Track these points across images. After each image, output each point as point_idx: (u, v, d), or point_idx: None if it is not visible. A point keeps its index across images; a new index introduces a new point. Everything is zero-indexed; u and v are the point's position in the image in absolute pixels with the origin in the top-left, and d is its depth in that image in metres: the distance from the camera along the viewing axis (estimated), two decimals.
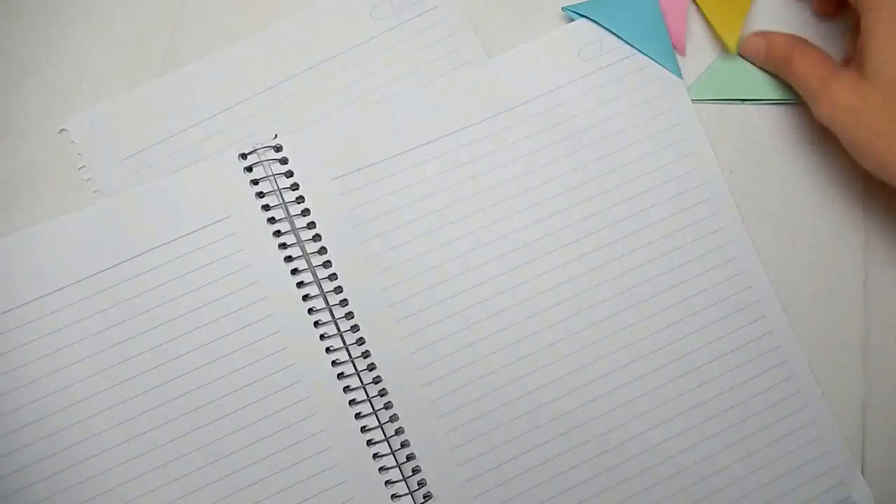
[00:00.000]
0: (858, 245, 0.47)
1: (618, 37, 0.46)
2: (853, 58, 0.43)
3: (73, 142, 0.45)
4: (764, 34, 0.45)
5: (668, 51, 0.46)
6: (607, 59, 0.46)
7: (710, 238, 0.45)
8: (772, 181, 0.47)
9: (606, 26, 0.46)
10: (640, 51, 0.46)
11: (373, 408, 0.43)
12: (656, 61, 0.46)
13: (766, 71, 0.46)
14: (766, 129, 0.47)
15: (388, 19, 0.46)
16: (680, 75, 0.46)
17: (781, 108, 0.47)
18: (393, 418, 0.43)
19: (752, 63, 0.46)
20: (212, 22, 0.47)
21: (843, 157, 0.45)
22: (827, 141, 0.46)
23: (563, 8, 0.47)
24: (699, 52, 0.47)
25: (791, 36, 0.45)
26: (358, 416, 0.43)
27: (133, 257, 0.43)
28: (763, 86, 0.46)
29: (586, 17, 0.46)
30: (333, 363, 0.43)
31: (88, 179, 0.45)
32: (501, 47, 0.47)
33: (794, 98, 0.46)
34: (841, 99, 0.41)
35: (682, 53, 0.47)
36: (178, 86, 0.46)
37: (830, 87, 0.41)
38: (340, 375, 0.43)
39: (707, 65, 0.47)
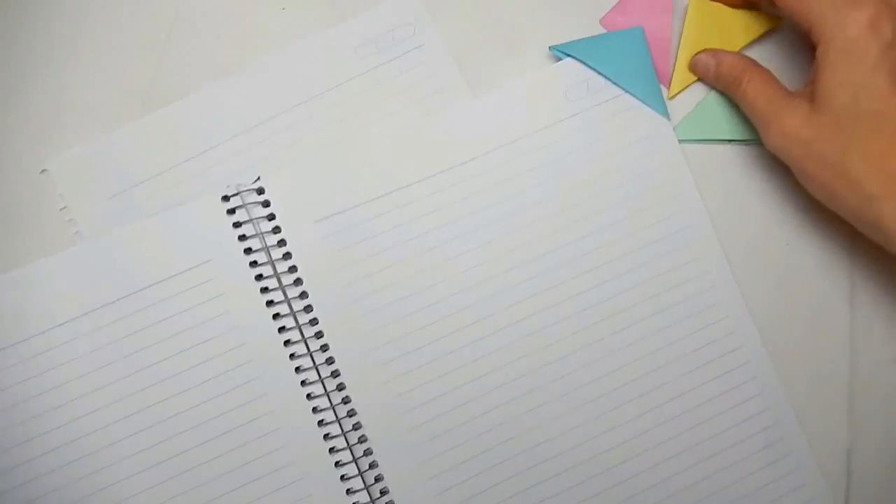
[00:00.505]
0: (844, 286, 0.47)
1: (605, 77, 0.46)
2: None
3: (53, 182, 0.45)
4: (714, 53, 0.45)
5: (656, 92, 0.46)
6: (594, 100, 0.46)
7: (694, 280, 0.45)
8: (757, 222, 0.47)
9: (594, 67, 0.46)
10: (627, 91, 0.46)
11: (353, 455, 0.43)
12: (643, 102, 0.46)
13: None
14: (752, 168, 0.47)
15: (373, 58, 0.47)
16: (667, 116, 0.46)
17: (762, 150, 0.47)
18: (367, 452, 0.44)
19: (703, 82, 0.47)
20: (193, 61, 0.47)
21: None
22: None
23: (550, 48, 0.47)
24: (686, 90, 0.47)
25: (741, 57, 0.45)
26: (340, 469, 0.43)
27: (113, 301, 0.43)
28: (750, 126, 0.46)
29: (573, 57, 0.46)
30: (314, 412, 0.43)
31: (69, 220, 0.45)
32: (487, 84, 0.47)
33: None
34: (791, 129, 0.41)
35: (667, 87, 0.47)
36: (160, 126, 0.46)
37: (780, 115, 0.42)
38: (324, 428, 0.44)
39: (694, 102, 0.47)
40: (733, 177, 0.47)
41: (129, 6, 0.47)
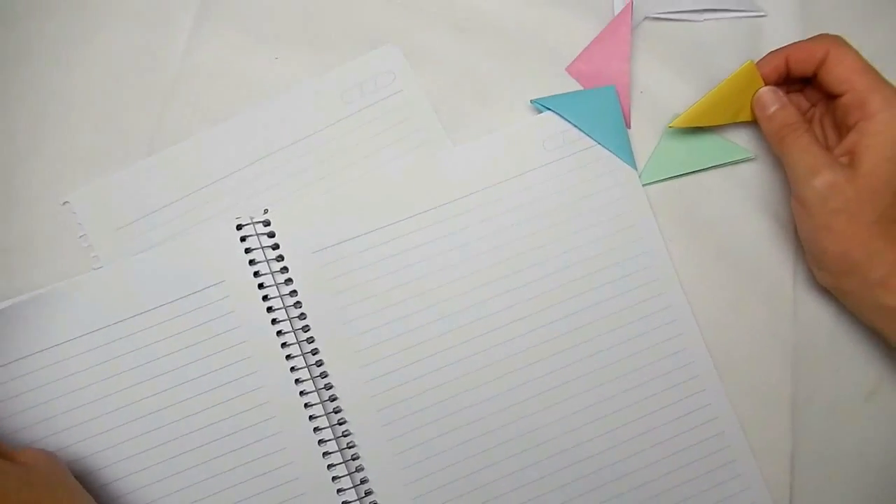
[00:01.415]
0: (788, 304, 0.50)
1: (580, 130, 0.50)
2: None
3: (73, 213, 0.49)
4: (778, 95, 0.48)
5: (625, 144, 0.50)
6: (569, 150, 0.50)
7: (654, 307, 0.49)
8: (709, 247, 0.50)
9: (570, 120, 0.50)
10: (599, 143, 0.50)
11: (347, 470, 0.47)
12: (614, 153, 0.50)
13: (707, 138, 0.51)
14: (703, 197, 0.51)
15: (357, 102, 0.51)
16: (634, 166, 0.50)
17: (715, 179, 0.51)
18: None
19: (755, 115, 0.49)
20: (195, 106, 0.51)
21: (773, 223, 0.50)
22: (756, 206, 0.51)
23: (531, 101, 0.51)
24: (647, 126, 0.52)
25: (796, 109, 0.47)
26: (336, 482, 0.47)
27: (133, 316, 0.47)
28: (706, 155, 0.51)
29: (552, 110, 0.50)
30: (311, 418, 0.47)
31: (87, 246, 0.49)
32: (461, 127, 0.51)
33: (736, 158, 0.51)
34: (836, 182, 0.44)
35: (629, 126, 0.51)
36: (170, 162, 0.50)
37: (827, 168, 0.44)
38: (317, 432, 0.47)
39: (655, 138, 0.51)
40: (684, 207, 0.51)
41: (137, 59, 0.52)
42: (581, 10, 0.53)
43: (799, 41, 0.48)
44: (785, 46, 0.48)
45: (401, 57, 0.51)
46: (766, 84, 0.48)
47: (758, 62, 0.48)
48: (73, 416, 0.46)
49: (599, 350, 0.49)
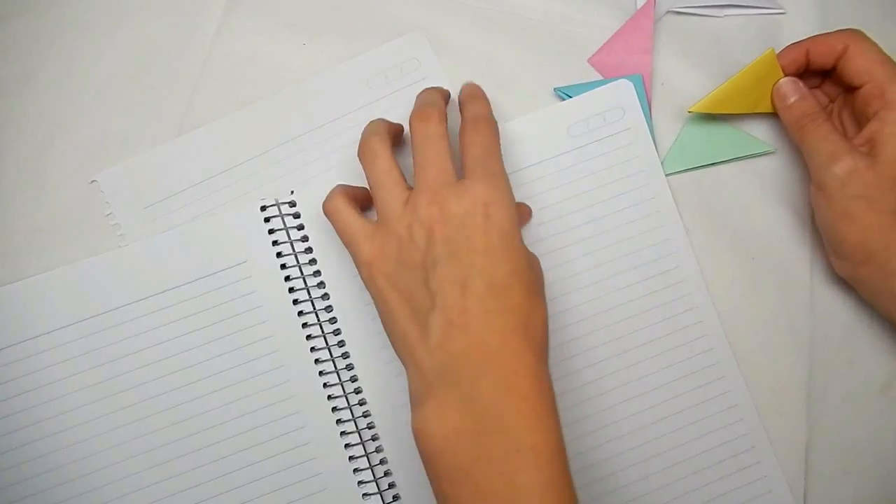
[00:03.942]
0: (805, 296, 0.50)
1: (604, 118, 0.50)
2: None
3: (101, 192, 0.50)
4: (798, 85, 0.48)
5: (649, 133, 0.50)
6: (594, 136, 0.50)
7: (673, 289, 0.50)
8: (728, 238, 0.51)
9: (595, 108, 0.50)
10: (623, 131, 0.50)
11: (365, 450, 0.48)
12: (637, 142, 0.50)
13: (728, 130, 0.51)
14: (721, 189, 0.51)
15: (382, 88, 0.51)
16: (656, 153, 0.51)
17: (733, 170, 0.52)
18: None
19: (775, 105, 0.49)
20: (224, 91, 0.52)
21: (791, 215, 0.51)
22: (774, 198, 0.51)
23: (555, 89, 0.51)
24: (667, 118, 0.52)
25: (816, 99, 0.48)
26: (353, 463, 0.48)
27: (156, 294, 0.48)
28: (728, 148, 0.51)
29: (571, 97, 0.51)
30: (329, 397, 0.48)
31: (114, 224, 0.50)
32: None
33: (755, 152, 0.51)
34: (856, 168, 0.44)
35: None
36: (195, 145, 0.51)
37: (846, 155, 0.45)
38: (335, 412, 0.48)
39: (675, 130, 0.52)
40: (704, 198, 0.51)
41: (168, 44, 0.53)
42: (603, 3, 0.54)
43: (818, 34, 0.48)
44: (805, 39, 0.49)
45: (426, 44, 0.52)
46: (786, 76, 0.49)
47: (778, 54, 0.49)
48: (97, 389, 0.47)
49: (620, 335, 0.49)
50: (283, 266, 0.48)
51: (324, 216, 0.45)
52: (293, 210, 0.49)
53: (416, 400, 0.40)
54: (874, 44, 0.46)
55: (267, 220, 0.49)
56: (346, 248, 0.44)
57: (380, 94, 0.51)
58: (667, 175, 0.51)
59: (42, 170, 0.51)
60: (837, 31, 0.48)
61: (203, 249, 0.48)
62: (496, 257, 0.40)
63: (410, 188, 0.43)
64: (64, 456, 0.47)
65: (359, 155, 0.45)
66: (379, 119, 0.47)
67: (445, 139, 0.43)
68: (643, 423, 0.48)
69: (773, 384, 0.49)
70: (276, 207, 0.49)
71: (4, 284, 0.48)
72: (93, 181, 0.50)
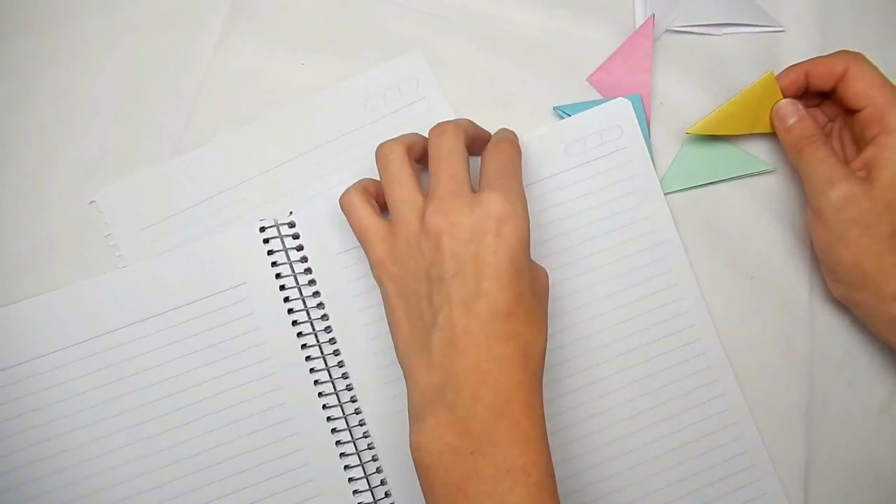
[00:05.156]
0: (804, 315, 0.50)
1: (603, 137, 0.50)
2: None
3: (100, 212, 0.50)
4: (797, 107, 0.48)
5: (647, 152, 0.50)
6: (592, 155, 0.50)
7: (673, 311, 0.50)
8: (727, 258, 0.51)
9: (593, 127, 0.50)
10: (622, 150, 0.50)
11: (364, 472, 0.48)
12: (636, 161, 0.50)
13: (727, 149, 0.51)
14: (720, 208, 0.51)
15: (381, 108, 0.51)
16: (654, 173, 0.50)
17: (732, 189, 0.52)
18: (379, 469, 0.48)
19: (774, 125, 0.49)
20: (221, 110, 0.52)
21: (790, 234, 0.51)
22: (773, 217, 0.51)
23: (554, 107, 0.52)
24: (666, 137, 0.52)
25: (816, 122, 0.48)
26: (353, 484, 0.48)
27: (153, 316, 0.48)
28: (726, 166, 0.51)
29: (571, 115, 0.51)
30: (329, 419, 0.48)
31: (113, 245, 0.49)
32: None
33: (755, 171, 0.51)
34: (853, 194, 0.45)
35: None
36: (196, 163, 0.50)
37: (843, 181, 0.45)
38: (335, 433, 0.48)
39: (674, 149, 0.52)
40: (705, 216, 0.51)
41: (166, 62, 0.52)
42: (602, 22, 0.54)
43: (818, 56, 0.48)
44: (804, 61, 0.49)
45: (424, 64, 0.52)
46: (785, 97, 0.49)
47: (777, 76, 0.49)
48: (94, 412, 0.47)
49: (619, 354, 0.49)
50: (282, 287, 0.48)
51: (322, 236, 0.45)
52: (292, 231, 0.49)
53: (415, 415, 0.40)
54: (874, 67, 0.46)
55: (266, 241, 0.48)
56: (360, 245, 0.44)
57: (378, 113, 0.51)
58: (665, 194, 0.51)
59: (40, 189, 0.50)
60: (837, 53, 0.48)
61: (202, 271, 0.48)
62: (502, 281, 0.40)
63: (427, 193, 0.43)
64: (60, 478, 0.47)
65: (375, 157, 0.45)
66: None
67: (462, 153, 0.43)
68: (643, 441, 0.48)
69: (772, 403, 0.49)
70: (275, 228, 0.49)
71: (2, 306, 0.48)
72: (92, 201, 0.50)
